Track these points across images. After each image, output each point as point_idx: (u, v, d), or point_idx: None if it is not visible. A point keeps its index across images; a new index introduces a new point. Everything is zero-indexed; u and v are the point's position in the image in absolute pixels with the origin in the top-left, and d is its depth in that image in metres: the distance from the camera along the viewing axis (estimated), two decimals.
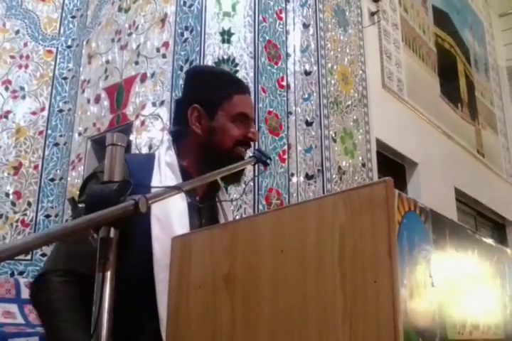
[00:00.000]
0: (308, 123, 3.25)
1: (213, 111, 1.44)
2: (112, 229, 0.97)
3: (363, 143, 3.68)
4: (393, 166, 4.64)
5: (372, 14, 4.47)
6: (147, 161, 1.44)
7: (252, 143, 1.52)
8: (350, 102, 3.64)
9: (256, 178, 2.50)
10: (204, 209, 1.46)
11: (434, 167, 4.94)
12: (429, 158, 4.91)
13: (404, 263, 0.85)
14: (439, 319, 0.93)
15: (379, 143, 4.08)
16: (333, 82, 3.48)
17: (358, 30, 4.02)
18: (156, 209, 1.30)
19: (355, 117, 3.64)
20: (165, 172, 1.41)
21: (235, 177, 1.49)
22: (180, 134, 1.49)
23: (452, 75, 6.22)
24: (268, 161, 1.53)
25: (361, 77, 3.87)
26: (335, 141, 3.34)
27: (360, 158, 3.59)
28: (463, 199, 5.61)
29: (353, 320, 0.83)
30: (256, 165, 1.54)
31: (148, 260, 1.27)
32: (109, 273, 0.96)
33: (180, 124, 1.48)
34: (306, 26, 3.46)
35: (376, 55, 4.44)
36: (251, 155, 1.48)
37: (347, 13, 3.88)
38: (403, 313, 0.80)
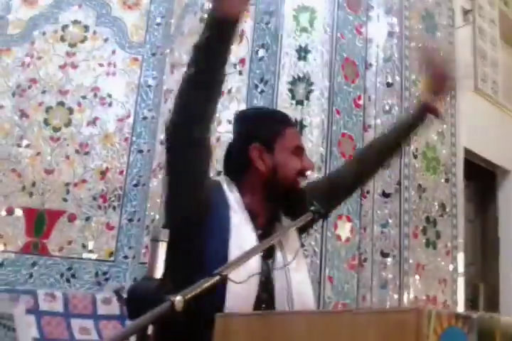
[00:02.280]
0: None
1: (271, 147, 1.48)
2: (150, 326, 0.99)
3: (448, 157, 3.51)
4: (483, 174, 4.41)
5: (466, 13, 4.21)
6: (220, 191, 1.46)
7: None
8: None
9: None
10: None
11: None
12: None
13: None
14: None
15: (467, 152, 3.89)
16: (417, 93, 3.33)
17: (448, 33, 3.80)
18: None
19: (440, 130, 3.47)
20: (236, 210, 1.43)
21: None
22: (240, 173, 1.51)
23: None
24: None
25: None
26: (415, 156, 3.21)
27: (444, 173, 3.43)
28: None
29: None
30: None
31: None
32: None
33: (240, 164, 1.51)
34: (390, 35, 3.32)
35: (469, 57, 4.19)
36: (311, 208, 1.47)
37: (436, 17, 3.67)
38: None
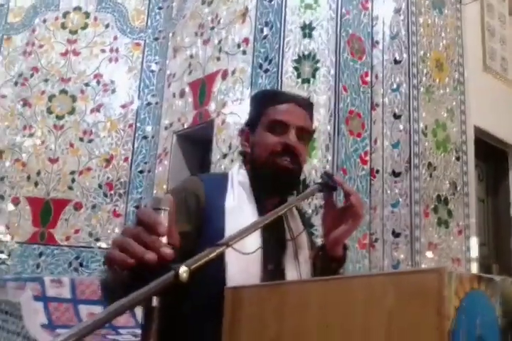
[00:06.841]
0: (397, 116, 3.08)
1: (255, 128, 1.45)
2: (154, 298, 0.94)
3: (458, 135, 3.44)
4: (494, 153, 4.34)
5: None
6: (222, 181, 1.45)
7: (294, 152, 1.42)
8: (444, 91, 3.40)
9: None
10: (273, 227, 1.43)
11: None
12: None
13: None
14: None
15: (478, 130, 3.81)
16: (425, 70, 3.25)
17: (456, 9, 3.72)
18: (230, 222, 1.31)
19: (449, 107, 3.40)
20: (238, 192, 1.41)
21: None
22: (243, 155, 1.53)
23: None
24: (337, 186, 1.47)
25: (458, 61, 3.59)
26: (425, 134, 3.14)
27: (454, 151, 3.36)
28: None
29: None
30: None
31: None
32: None
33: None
34: (396, 11, 3.24)
35: (477, 34, 4.10)
36: (318, 181, 1.42)
37: None
38: None
